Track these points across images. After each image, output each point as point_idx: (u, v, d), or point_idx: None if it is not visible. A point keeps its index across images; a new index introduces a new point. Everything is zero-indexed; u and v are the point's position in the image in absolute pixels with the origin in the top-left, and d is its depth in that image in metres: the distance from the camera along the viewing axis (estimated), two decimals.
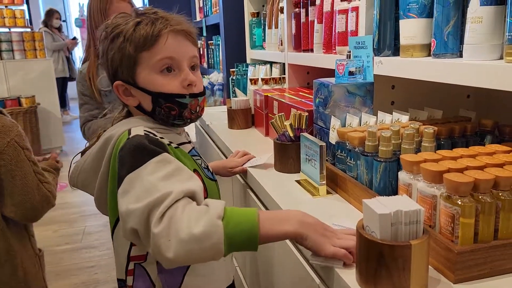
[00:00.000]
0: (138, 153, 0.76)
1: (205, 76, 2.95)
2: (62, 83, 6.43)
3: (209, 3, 3.04)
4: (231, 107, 1.82)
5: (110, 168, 0.84)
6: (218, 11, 2.71)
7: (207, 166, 0.99)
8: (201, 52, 3.58)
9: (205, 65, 3.45)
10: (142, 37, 0.82)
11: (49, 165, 1.38)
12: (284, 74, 1.94)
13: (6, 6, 4.89)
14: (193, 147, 0.97)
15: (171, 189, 0.70)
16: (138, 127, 0.84)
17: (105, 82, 1.63)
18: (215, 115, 2.10)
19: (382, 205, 0.61)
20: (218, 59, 3.01)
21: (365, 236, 0.61)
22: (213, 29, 3.13)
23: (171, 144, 0.86)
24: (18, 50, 4.66)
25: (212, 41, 3.12)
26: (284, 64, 1.93)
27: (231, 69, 2.34)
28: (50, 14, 6.45)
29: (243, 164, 1.24)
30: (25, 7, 5.60)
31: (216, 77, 2.77)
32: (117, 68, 0.86)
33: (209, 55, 3.25)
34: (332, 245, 0.69)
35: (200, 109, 0.91)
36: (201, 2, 3.41)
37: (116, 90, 0.89)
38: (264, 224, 0.69)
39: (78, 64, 7.46)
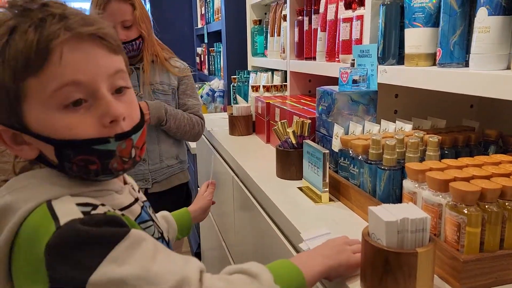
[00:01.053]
0: (88, 248, 0.51)
1: (206, 82, 2.95)
2: None
3: (211, 10, 3.05)
4: (232, 114, 1.82)
5: (18, 269, 0.55)
6: (220, 18, 2.73)
7: (162, 233, 0.73)
8: (202, 59, 3.59)
9: (205, 71, 3.45)
10: (22, 55, 0.52)
11: None
12: (286, 81, 1.94)
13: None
14: (143, 206, 0.71)
15: (179, 272, 0.52)
16: (63, 200, 0.56)
17: None
18: (216, 121, 2.10)
19: (389, 212, 0.61)
20: (219, 65, 3.02)
21: (371, 243, 0.60)
22: (215, 36, 3.15)
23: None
24: None
25: (213, 48, 3.13)
26: (285, 71, 1.94)
27: (232, 76, 2.34)
28: None
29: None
30: None
31: (217, 83, 2.77)
32: None
33: (210, 62, 3.26)
34: (352, 253, 0.68)
35: (138, 151, 0.63)
36: (203, 9, 3.42)
37: None
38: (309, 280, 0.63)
39: None
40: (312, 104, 1.50)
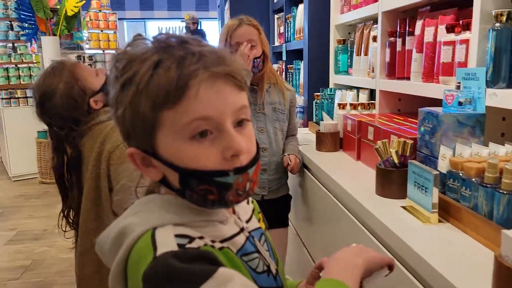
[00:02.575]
0: (179, 284, 0.53)
1: None
2: None
3: (291, 30, 3.15)
4: (319, 130, 1.88)
5: (122, 272, 0.61)
6: (302, 37, 2.81)
7: (269, 266, 0.69)
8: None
9: None
10: (164, 89, 0.56)
11: None
12: (372, 99, 1.97)
13: (101, 31, 5.36)
14: (248, 237, 0.68)
15: None
16: (165, 230, 0.59)
17: None
18: (298, 137, 2.15)
19: None
20: (297, 82, 3.10)
21: (506, 265, 0.63)
22: (294, 54, 3.24)
23: (213, 245, 0.60)
24: None
25: (292, 65, 3.22)
26: (371, 90, 1.97)
27: (315, 93, 2.40)
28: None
29: None
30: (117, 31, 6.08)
31: (297, 100, 2.85)
32: (129, 130, 0.61)
33: (288, 78, 3.35)
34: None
35: (252, 184, 0.63)
36: (281, 28, 3.54)
37: (131, 159, 0.64)
38: None
39: None
40: (405, 123, 1.52)
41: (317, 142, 1.87)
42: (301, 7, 2.89)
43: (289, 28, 3.21)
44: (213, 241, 0.60)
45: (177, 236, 0.58)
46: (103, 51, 5.44)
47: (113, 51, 5.45)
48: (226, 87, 0.59)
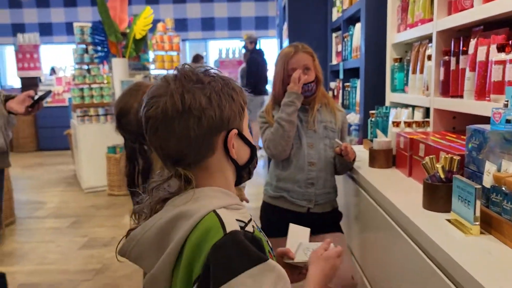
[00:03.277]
0: (239, 257, 0.72)
1: None
2: None
3: (348, 49, 3.22)
4: (372, 147, 1.93)
5: (184, 255, 0.75)
6: (359, 56, 2.87)
7: (268, 241, 0.92)
8: (335, 93, 3.76)
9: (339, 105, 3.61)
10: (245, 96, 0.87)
11: None
12: (427, 117, 1.99)
13: (166, 52, 5.72)
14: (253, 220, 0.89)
15: None
16: (224, 212, 0.78)
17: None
18: None
19: None
20: (353, 100, 3.15)
21: None
22: (350, 72, 3.30)
23: (249, 223, 0.82)
24: None
25: (349, 83, 3.28)
26: (426, 108, 1.99)
27: (370, 111, 2.45)
28: (197, 59, 7.31)
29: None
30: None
31: (353, 118, 2.90)
32: (232, 116, 0.83)
33: (344, 97, 3.41)
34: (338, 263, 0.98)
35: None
36: (339, 47, 3.61)
37: (228, 141, 0.84)
38: None
39: None
40: (458, 140, 1.54)
41: (370, 159, 1.92)
42: (358, 26, 2.95)
43: (346, 47, 3.28)
44: (249, 221, 0.82)
45: (237, 220, 0.78)
46: (167, 71, 5.80)
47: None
48: None
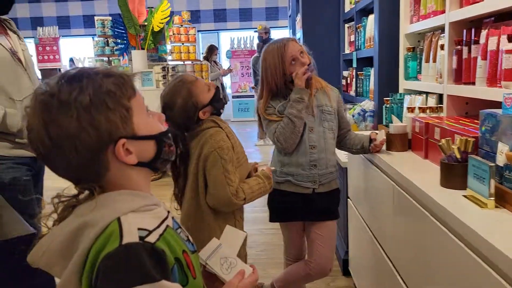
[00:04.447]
0: (128, 270, 0.69)
1: (357, 103, 3.22)
2: None
3: (361, 39, 3.33)
4: (389, 132, 2.05)
5: (87, 262, 0.73)
6: (372, 46, 2.98)
7: (188, 237, 0.92)
8: (348, 82, 3.87)
9: (351, 93, 3.72)
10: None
11: (262, 173, 1.78)
12: (440, 103, 2.11)
13: (182, 43, 5.86)
14: (173, 217, 0.89)
15: None
16: (128, 219, 0.75)
17: (281, 108, 2.01)
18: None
19: None
20: (367, 88, 3.26)
21: None
22: (364, 61, 3.41)
23: (161, 232, 0.79)
24: None
25: (362, 72, 3.39)
26: (440, 94, 2.10)
27: (384, 98, 2.57)
28: (212, 49, 7.43)
29: None
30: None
31: (368, 104, 3.02)
32: (109, 129, 0.76)
33: (358, 84, 3.52)
34: None
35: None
36: (352, 37, 3.72)
37: (118, 154, 0.78)
38: None
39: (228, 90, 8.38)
40: (471, 124, 1.66)
41: (387, 143, 2.04)
42: (371, 17, 3.06)
43: (360, 37, 3.39)
44: (159, 225, 0.80)
45: (139, 229, 0.75)
46: (183, 62, 5.93)
47: (191, 62, 5.91)
48: None
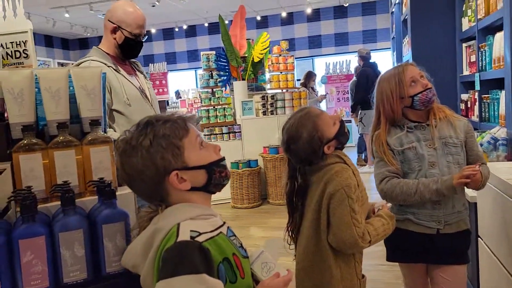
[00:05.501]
0: (179, 262, 0.89)
1: (487, 131, 2.94)
2: None
3: (486, 59, 3.06)
4: None
5: (155, 260, 0.95)
6: (502, 66, 2.71)
7: (241, 244, 1.10)
8: (470, 105, 3.57)
9: (474, 118, 3.42)
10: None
11: (385, 213, 1.65)
12: None
13: (281, 72, 5.95)
14: (228, 227, 1.09)
15: None
16: (186, 224, 0.96)
17: (397, 142, 1.87)
18: (501, 170, 2.07)
19: None
20: (495, 113, 2.96)
21: None
22: (489, 83, 3.12)
23: (213, 235, 0.98)
24: (289, 107, 5.57)
25: (488, 95, 3.10)
26: None
27: None
28: (310, 76, 7.45)
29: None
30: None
31: (500, 132, 2.73)
32: (164, 164, 1.00)
33: (482, 109, 3.22)
34: None
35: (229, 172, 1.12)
36: (472, 57, 3.44)
37: (171, 183, 1.02)
38: None
39: None
40: None
41: None
42: (499, 35, 2.80)
43: (484, 57, 3.12)
44: (212, 231, 0.99)
45: (191, 231, 0.95)
46: (282, 90, 6.00)
47: (290, 90, 5.95)
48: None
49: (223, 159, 1.08)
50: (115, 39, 2.19)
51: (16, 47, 1.51)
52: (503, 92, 2.74)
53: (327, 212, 1.57)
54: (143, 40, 2.28)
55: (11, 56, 1.51)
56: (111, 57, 2.20)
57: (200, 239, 0.95)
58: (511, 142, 2.60)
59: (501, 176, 1.95)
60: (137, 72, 2.39)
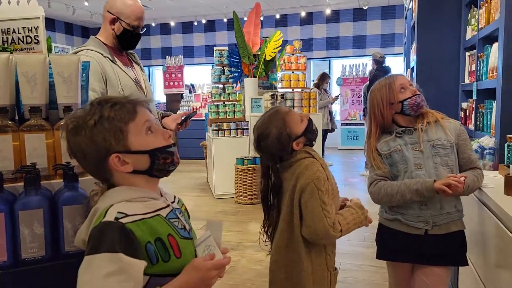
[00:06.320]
0: (98, 241, 0.94)
1: (475, 139, 2.95)
2: (324, 134, 7.29)
3: (484, 68, 3.06)
4: (509, 174, 1.84)
5: None
6: (496, 76, 2.72)
7: (184, 227, 1.14)
8: (468, 114, 3.57)
9: (470, 127, 3.42)
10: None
11: (354, 203, 1.70)
12: None
13: (292, 72, 6.01)
14: (172, 209, 1.13)
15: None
16: (117, 206, 1.01)
17: (385, 146, 1.93)
18: (486, 179, 2.10)
19: None
20: (488, 122, 2.97)
21: None
22: (485, 93, 3.12)
23: (145, 217, 1.02)
24: (298, 106, 5.63)
25: (483, 105, 3.10)
26: None
27: (507, 135, 2.32)
28: (324, 77, 7.47)
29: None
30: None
31: (488, 141, 2.74)
32: (105, 145, 1.05)
33: (478, 118, 3.22)
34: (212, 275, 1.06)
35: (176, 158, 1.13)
36: (472, 66, 3.44)
37: (111, 165, 1.06)
38: None
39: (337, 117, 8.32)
40: None
41: (506, 186, 1.83)
42: (495, 45, 2.81)
43: (482, 67, 3.13)
44: (147, 213, 1.04)
45: (118, 212, 0.99)
46: (292, 89, 6.06)
47: (300, 90, 6.00)
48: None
49: (170, 146, 1.10)
50: (113, 30, 2.24)
51: (28, 32, 1.51)
52: (495, 102, 2.75)
53: (299, 205, 1.63)
54: (141, 32, 2.34)
55: (23, 41, 1.52)
56: (109, 47, 2.26)
57: (124, 220, 0.99)
58: (498, 151, 2.62)
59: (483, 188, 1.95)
60: (134, 64, 2.45)
